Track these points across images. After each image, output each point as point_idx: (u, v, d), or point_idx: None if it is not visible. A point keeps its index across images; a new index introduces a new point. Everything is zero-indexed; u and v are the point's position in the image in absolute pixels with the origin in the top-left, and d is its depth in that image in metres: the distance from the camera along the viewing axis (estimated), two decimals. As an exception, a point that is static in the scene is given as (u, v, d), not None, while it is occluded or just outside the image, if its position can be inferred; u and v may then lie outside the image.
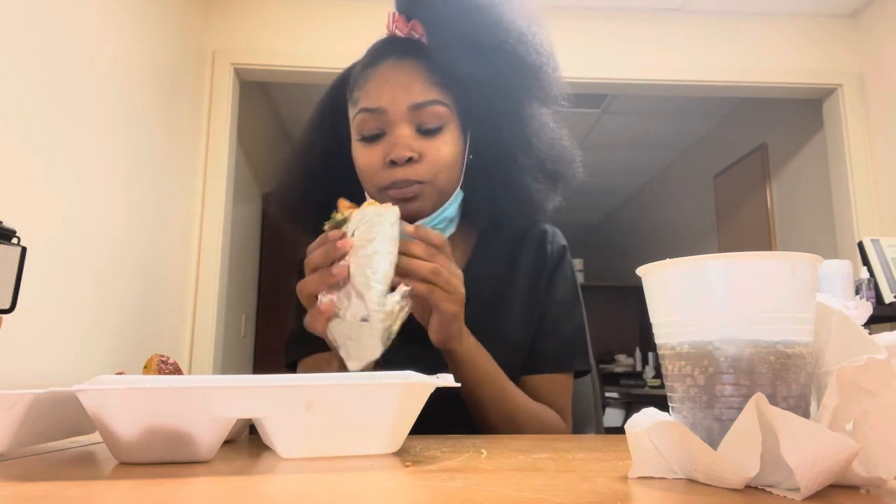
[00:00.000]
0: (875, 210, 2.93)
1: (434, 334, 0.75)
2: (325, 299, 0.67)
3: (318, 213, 0.88)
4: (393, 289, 0.68)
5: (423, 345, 0.75)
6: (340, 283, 0.67)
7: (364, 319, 0.65)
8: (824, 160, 3.19)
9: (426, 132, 0.83)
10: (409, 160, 0.80)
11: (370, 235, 0.67)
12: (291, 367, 0.94)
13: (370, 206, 0.69)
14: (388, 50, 0.87)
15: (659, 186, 5.56)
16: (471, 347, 0.78)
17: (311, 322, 0.68)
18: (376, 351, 0.67)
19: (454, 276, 0.73)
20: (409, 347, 0.76)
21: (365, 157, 0.84)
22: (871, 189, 2.95)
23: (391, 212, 0.69)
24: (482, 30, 0.84)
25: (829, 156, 3.12)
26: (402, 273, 0.69)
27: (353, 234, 0.68)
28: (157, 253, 2.37)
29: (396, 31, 0.89)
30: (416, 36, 0.87)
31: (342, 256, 0.67)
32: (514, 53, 0.85)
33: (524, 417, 0.82)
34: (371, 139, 0.84)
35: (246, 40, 2.88)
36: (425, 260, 0.71)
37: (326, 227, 0.70)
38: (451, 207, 0.85)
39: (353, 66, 0.93)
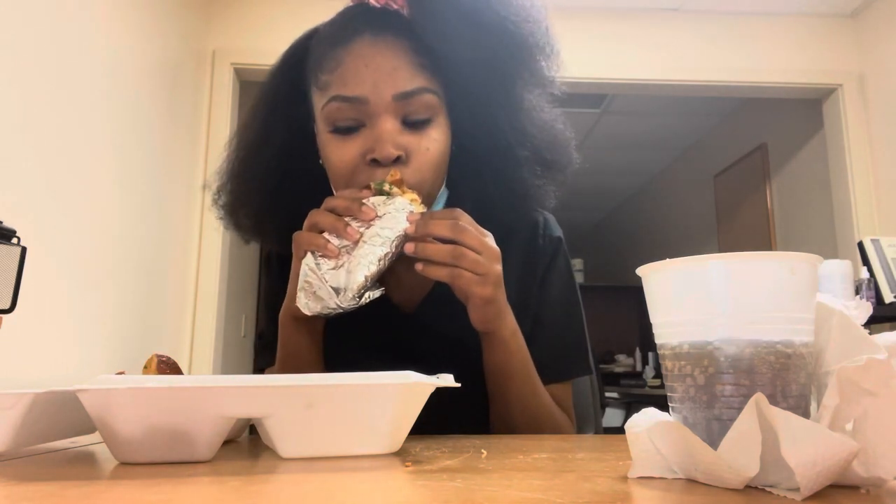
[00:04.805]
0: (875, 210, 2.93)
1: (471, 317, 0.70)
2: (329, 239, 0.67)
3: (282, 220, 0.81)
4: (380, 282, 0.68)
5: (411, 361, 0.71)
6: (338, 241, 0.67)
7: (335, 290, 0.65)
8: (824, 160, 3.19)
9: (413, 125, 0.72)
10: (397, 160, 0.70)
11: (392, 226, 0.67)
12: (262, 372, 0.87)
13: (410, 200, 0.68)
14: (360, 23, 0.73)
15: (659, 186, 5.56)
16: (514, 332, 0.73)
17: (303, 240, 0.67)
18: (317, 311, 0.67)
19: (485, 252, 0.66)
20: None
21: (339, 153, 0.72)
22: (871, 189, 2.95)
23: (413, 209, 0.68)
24: (478, 2, 0.71)
25: (829, 156, 3.12)
26: (420, 256, 0.66)
27: (381, 216, 0.67)
28: (158, 253, 2.37)
29: None
30: (395, 6, 0.73)
31: (360, 220, 0.66)
32: (515, 33, 0.73)
33: (547, 423, 0.77)
34: (346, 131, 0.72)
35: (246, 40, 2.89)
36: (449, 238, 0.65)
37: (372, 185, 0.69)
38: (436, 209, 0.77)
39: (313, 37, 0.78)
